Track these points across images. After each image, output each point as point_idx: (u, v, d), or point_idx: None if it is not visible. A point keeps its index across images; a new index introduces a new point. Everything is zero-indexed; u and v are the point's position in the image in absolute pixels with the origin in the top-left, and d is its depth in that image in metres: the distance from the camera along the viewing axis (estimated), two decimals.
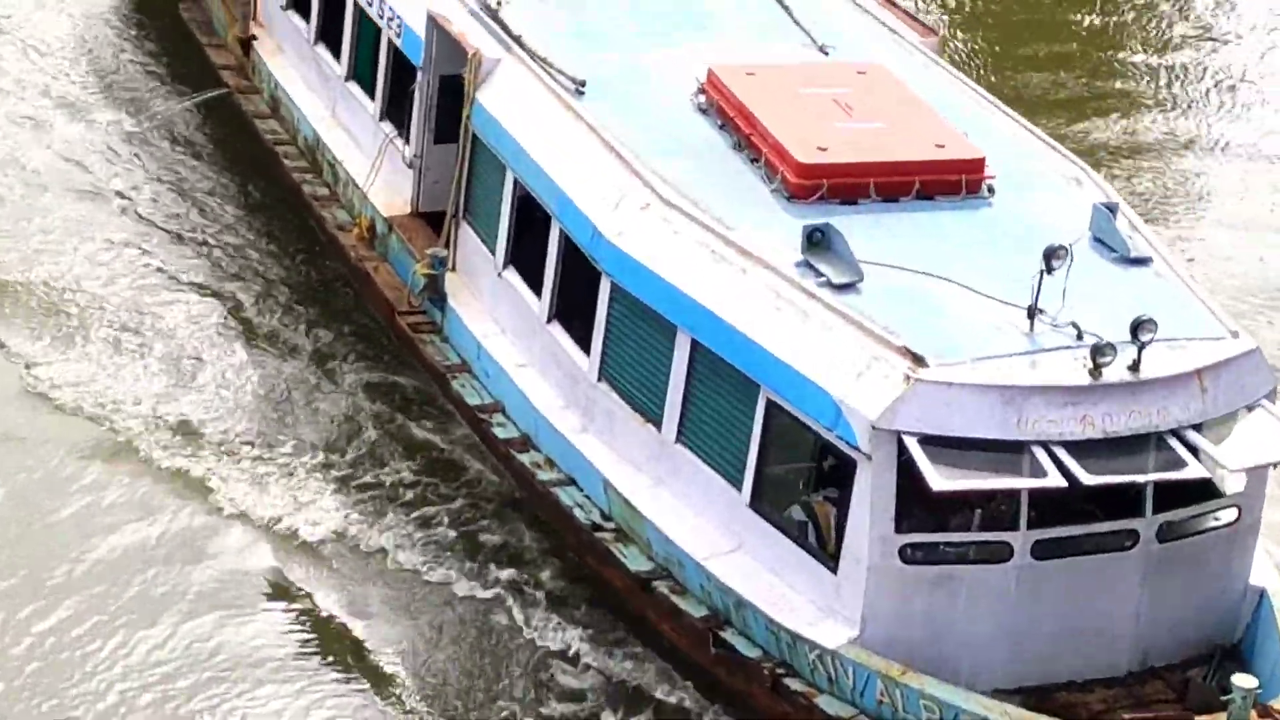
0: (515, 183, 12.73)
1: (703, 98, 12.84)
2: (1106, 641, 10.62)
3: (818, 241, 10.72)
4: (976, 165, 11.77)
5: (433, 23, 13.75)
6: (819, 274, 10.57)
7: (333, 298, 16.30)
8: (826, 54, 14.00)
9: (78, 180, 18.25)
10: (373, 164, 15.13)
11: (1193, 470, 9.90)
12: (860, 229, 10.91)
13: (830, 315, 10.20)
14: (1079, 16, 27.55)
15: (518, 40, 13.50)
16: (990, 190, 11.89)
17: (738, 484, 10.89)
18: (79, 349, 15.95)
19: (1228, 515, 10.77)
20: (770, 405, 10.45)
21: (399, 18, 14.34)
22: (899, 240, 11.02)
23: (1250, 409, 10.43)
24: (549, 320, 12.66)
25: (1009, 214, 11.72)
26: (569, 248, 12.12)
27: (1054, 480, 9.56)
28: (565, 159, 12.39)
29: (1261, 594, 10.83)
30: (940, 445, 9.67)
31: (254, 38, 17.66)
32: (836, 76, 12.88)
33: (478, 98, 13.37)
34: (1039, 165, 12.52)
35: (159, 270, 17.04)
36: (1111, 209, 11.46)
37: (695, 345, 10.89)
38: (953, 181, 11.82)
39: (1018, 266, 10.55)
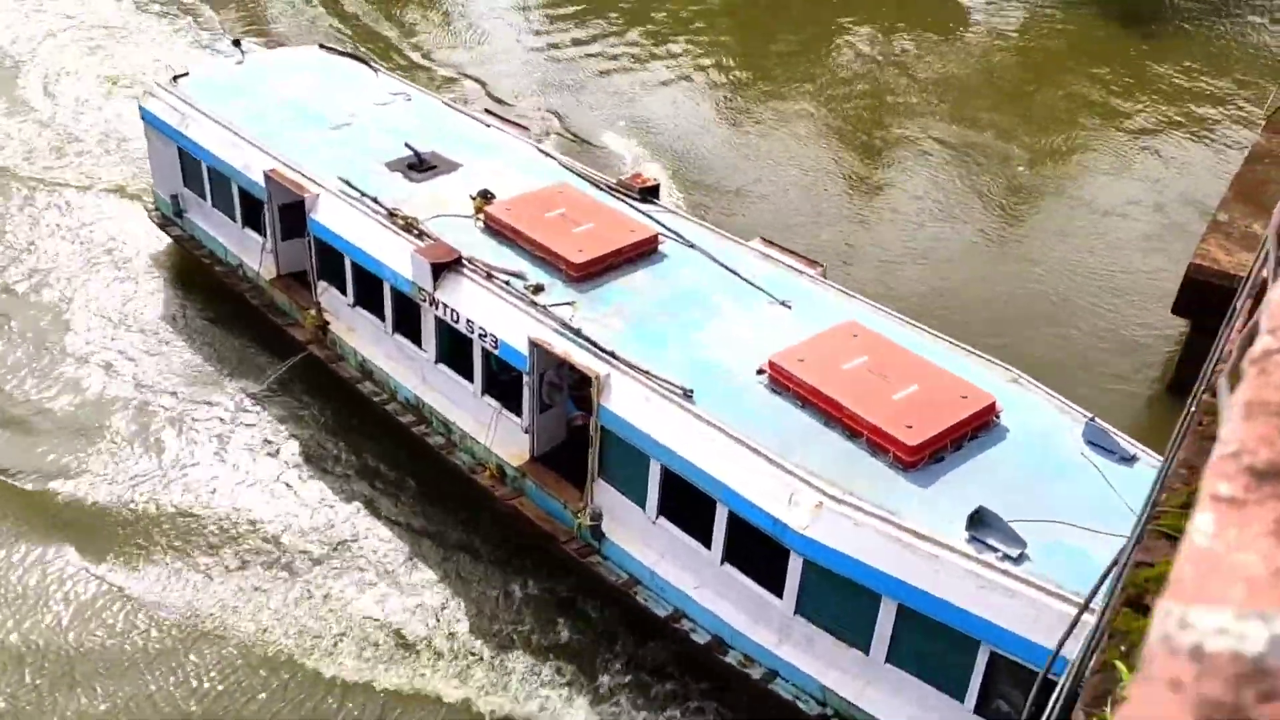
0: (663, 468, 10.00)
1: (770, 381, 10.99)
2: None
3: (978, 520, 9.22)
4: (992, 407, 10.57)
5: (535, 345, 10.81)
6: (993, 549, 9.08)
7: (481, 518, 13.39)
8: (790, 307, 12.21)
9: (236, 440, 14.52)
10: (488, 426, 11.72)
11: None
12: (956, 479, 9.78)
13: (1031, 590, 8.73)
14: None
15: (615, 357, 11.31)
16: (999, 419, 10.52)
17: (960, 696, 9.38)
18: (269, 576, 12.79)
19: None
20: (993, 655, 8.99)
21: (494, 336, 11.26)
22: (990, 484, 9.75)
23: None
24: (722, 563, 10.63)
25: (1023, 439, 10.42)
26: (737, 522, 10.29)
27: None
28: (711, 456, 10.48)
29: None
30: None
31: (328, 323, 13.82)
32: (848, 345, 11.15)
33: (603, 404, 10.86)
34: (988, 374, 11.10)
35: (345, 510, 13.67)
36: (1093, 420, 10.44)
37: (902, 609, 9.42)
38: (984, 423, 10.46)
39: (1081, 489, 9.66)
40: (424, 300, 12.76)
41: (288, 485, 13.76)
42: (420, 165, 14.64)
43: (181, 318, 16.37)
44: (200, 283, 16.64)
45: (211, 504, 13.57)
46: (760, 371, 10.87)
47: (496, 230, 13.15)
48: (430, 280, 12.53)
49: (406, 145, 14.78)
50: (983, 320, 16.49)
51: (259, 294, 15.50)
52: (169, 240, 17.21)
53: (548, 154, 15.30)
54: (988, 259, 18.59)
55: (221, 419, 14.63)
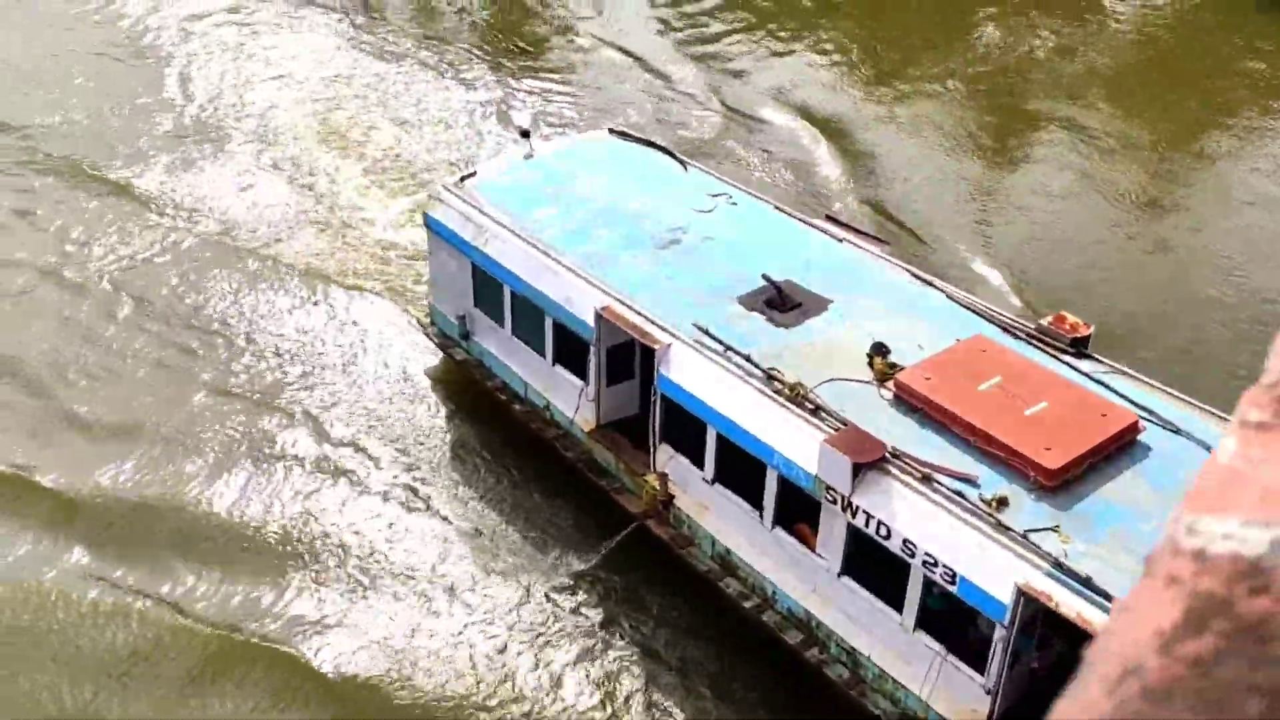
0: None
1: None
2: None
3: None
4: None
5: (1025, 596, 7.90)
6: None
7: None
8: None
9: (563, 632, 11.93)
10: (924, 673, 8.82)
11: None
12: None
13: None
14: None
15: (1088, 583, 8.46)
16: None
17: None
18: None
19: None
20: None
21: (948, 568, 8.27)
22: None
23: None
24: None
25: None
26: None
27: None
28: None
29: None
30: None
31: (673, 497, 10.92)
32: None
33: None
34: None
35: None
36: None
37: None
38: None
39: None
40: (831, 500, 9.94)
41: (637, 698, 11.12)
42: (782, 303, 11.80)
43: (472, 457, 13.80)
44: (490, 418, 14.10)
45: (538, 713, 11.04)
46: None
47: (914, 407, 10.23)
48: (848, 480, 9.67)
49: (764, 278, 11.97)
50: (1118, 311, 15.57)
51: (572, 445, 12.90)
52: (442, 354, 14.81)
53: (927, 281, 12.32)
54: (1123, 250, 17.71)
55: (542, 599, 12.02)
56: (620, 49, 23.41)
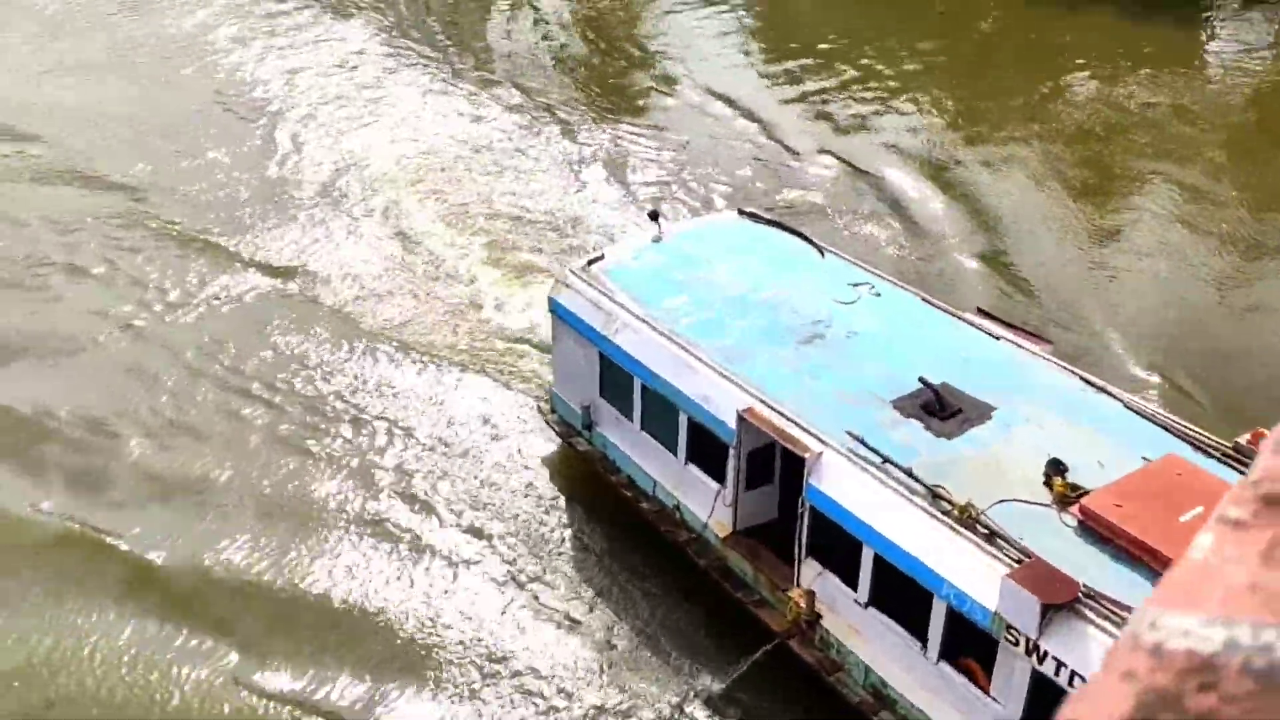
0: None
1: None
2: None
3: None
4: None
5: None
6: None
7: None
8: None
9: None
10: None
11: None
12: None
13: None
14: None
15: None
16: None
17: None
18: None
19: None
20: None
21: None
22: None
23: None
24: None
25: None
26: None
27: None
28: None
29: None
30: None
31: (820, 616, 9.97)
32: None
33: None
34: None
35: None
36: None
37: None
38: None
39: None
40: (1013, 641, 9.01)
41: None
42: (941, 409, 10.92)
43: (592, 554, 13.00)
44: (613, 512, 13.30)
45: None
46: None
47: (1104, 538, 9.28)
48: (1035, 622, 8.73)
49: (920, 380, 11.11)
50: (1219, 378, 15.16)
51: (705, 550, 12.08)
52: (561, 442, 14.12)
53: (1101, 388, 11.36)
54: (1224, 313, 17.16)
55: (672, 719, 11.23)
56: (723, 99, 22.98)
